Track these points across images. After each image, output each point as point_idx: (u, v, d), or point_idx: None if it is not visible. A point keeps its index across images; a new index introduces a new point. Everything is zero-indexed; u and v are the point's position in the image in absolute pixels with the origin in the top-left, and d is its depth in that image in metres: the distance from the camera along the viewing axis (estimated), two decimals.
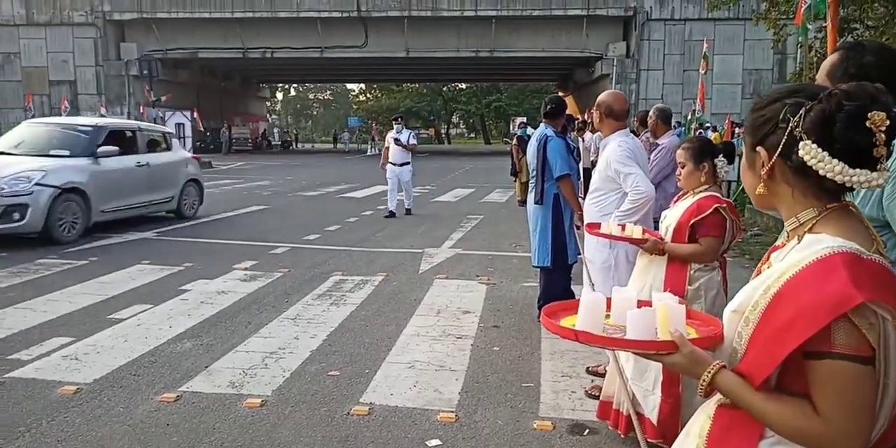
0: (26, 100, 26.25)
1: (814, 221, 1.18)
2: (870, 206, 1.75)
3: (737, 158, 3.70)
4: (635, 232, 3.09)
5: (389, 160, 11.65)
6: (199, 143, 33.38)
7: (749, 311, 1.17)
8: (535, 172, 4.98)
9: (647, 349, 1.26)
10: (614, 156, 3.80)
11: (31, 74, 33.82)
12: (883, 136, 1.09)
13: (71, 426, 3.26)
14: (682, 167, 3.02)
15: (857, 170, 1.11)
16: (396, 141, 11.54)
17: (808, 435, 1.09)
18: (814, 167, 1.12)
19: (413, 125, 76.64)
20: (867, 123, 1.09)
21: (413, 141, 11.98)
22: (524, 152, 5.24)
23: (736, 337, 1.20)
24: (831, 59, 1.97)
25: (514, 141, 14.16)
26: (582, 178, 7.71)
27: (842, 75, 1.87)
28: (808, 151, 1.11)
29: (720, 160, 2.96)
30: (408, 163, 11.68)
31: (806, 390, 1.11)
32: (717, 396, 1.25)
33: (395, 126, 11.93)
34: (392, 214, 11.10)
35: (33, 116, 26.97)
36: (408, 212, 11.58)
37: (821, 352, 1.07)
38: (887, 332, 1.07)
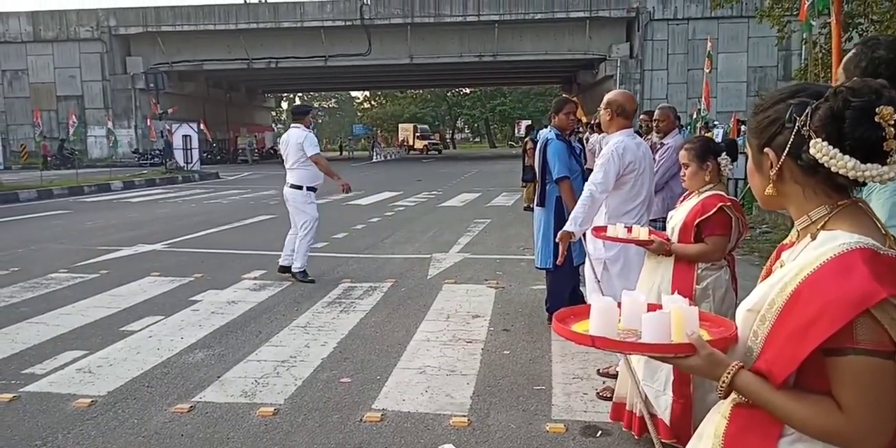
0: (34, 115, 26.48)
1: (826, 219, 1.18)
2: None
3: (741, 157, 3.69)
4: (641, 233, 3.09)
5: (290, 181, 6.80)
6: (205, 155, 33.56)
7: (765, 309, 1.17)
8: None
9: (666, 353, 1.25)
10: (606, 151, 3.87)
11: (39, 90, 34.25)
12: (892, 130, 1.10)
13: (86, 439, 3.28)
14: (686, 168, 3.02)
15: (868, 164, 1.12)
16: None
17: (833, 432, 1.09)
18: (826, 164, 1.12)
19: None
20: (876, 118, 1.10)
21: (315, 149, 6.70)
22: None
23: (751, 336, 1.20)
24: (850, 53, 2.02)
25: (528, 143, 12.06)
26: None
27: (854, 68, 1.92)
28: (820, 149, 1.12)
29: (723, 158, 2.96)
30: (312, 188, 6.81)
31: (824, 388, 1.11)
32: (732, 395, 1.24)
33: (292, 125, 6.93)
34: (285, 270, 6.74)
35: (42, 132, 27.24)
36: (301, 273, 6.62)
37: (843, 348, 1.07)
38: None
